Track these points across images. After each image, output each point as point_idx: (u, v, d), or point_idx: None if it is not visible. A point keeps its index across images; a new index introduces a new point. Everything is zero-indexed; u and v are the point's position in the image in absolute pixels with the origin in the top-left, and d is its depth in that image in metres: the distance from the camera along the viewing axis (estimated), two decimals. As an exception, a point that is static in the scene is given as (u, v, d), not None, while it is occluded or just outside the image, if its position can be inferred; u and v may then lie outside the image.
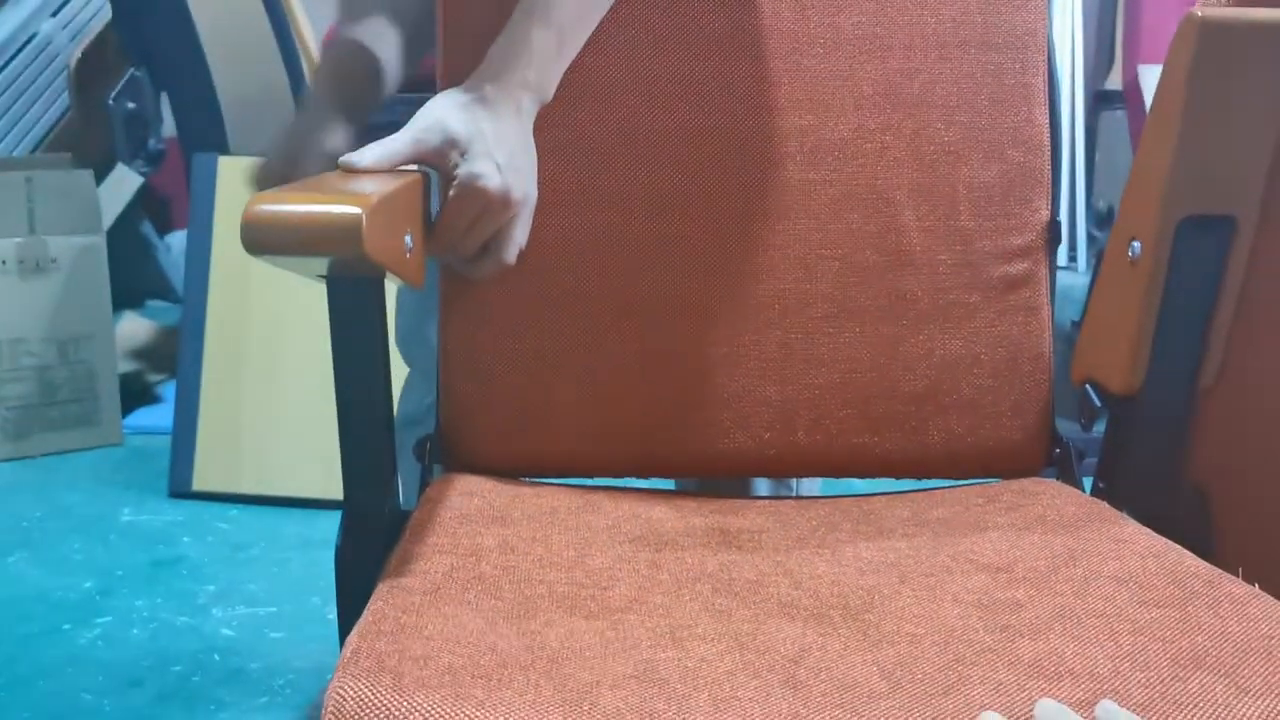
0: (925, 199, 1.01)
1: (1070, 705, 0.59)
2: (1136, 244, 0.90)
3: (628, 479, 1.02)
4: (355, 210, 0.69)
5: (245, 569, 1.87)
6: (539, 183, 0.92)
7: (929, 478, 1.03)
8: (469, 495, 0.90)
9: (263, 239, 0.68)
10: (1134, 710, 0.58)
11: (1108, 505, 0.90)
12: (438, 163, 0.89)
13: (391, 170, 0.86)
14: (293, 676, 1.54)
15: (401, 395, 1.43)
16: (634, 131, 1.00)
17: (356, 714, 0.54)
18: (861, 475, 1.03)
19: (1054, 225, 1.04)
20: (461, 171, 0.88)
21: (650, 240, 1.00)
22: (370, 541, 0.86)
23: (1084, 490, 0.98)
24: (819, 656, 0.65)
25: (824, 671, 0.64)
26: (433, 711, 0.54)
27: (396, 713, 0.54)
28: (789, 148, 1.01)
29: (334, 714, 0.54)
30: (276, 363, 2.12)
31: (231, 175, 2.18)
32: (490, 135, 0.88)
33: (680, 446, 1.01)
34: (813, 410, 1.00)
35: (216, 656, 1.59)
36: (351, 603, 0.79)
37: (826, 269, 1.01)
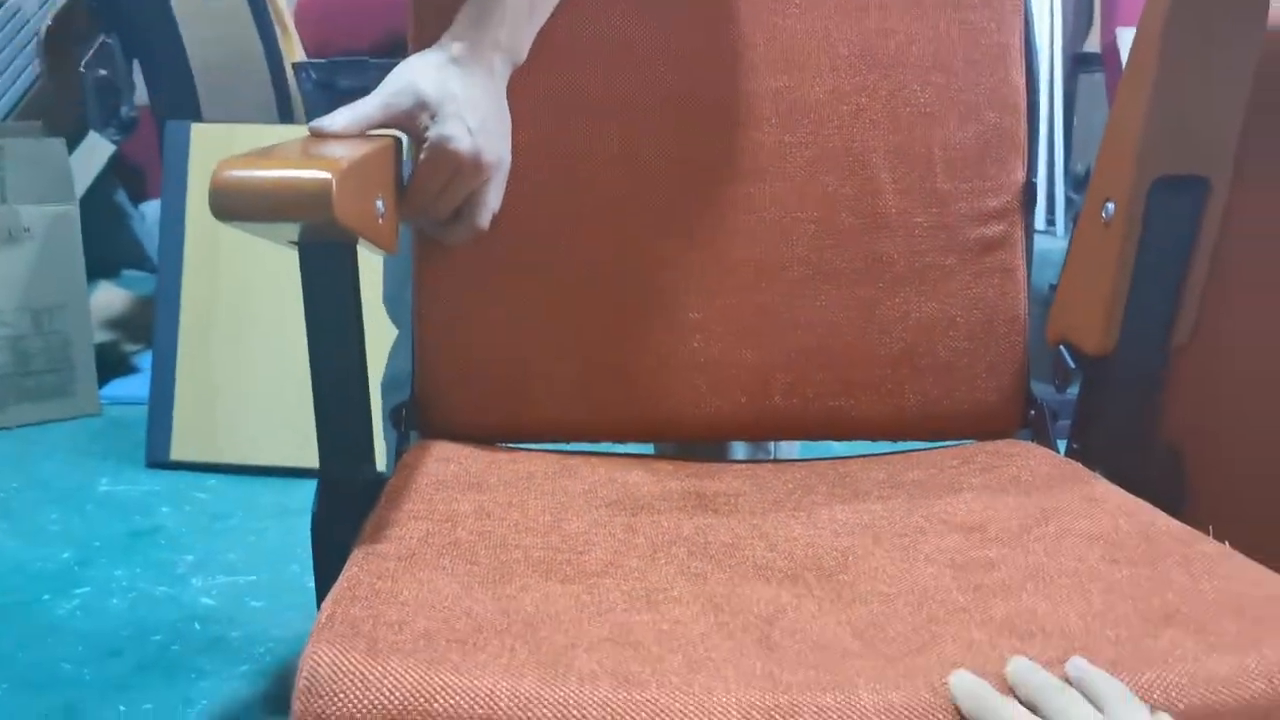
0: (901, 161, 1.01)
1: (1042, 663, 0.59)
2: (1111, 205, 0.90)
3: (605, 444, 1.02)
4: (325, 175, 0.68)
5: (224, 538, 1.86)
6: (513, 146, 0.92)
7: (905, 439, 1.03)
8: (445, 461, 0.90)
9: (231, 205, 0.68)
10: (1105, 667, 0.59)
11: (1081, 466, 0.91)
12: (409, 126, 0.88)
13: (362, 134, 0.86)
14: (273, 644, 1.54)
15: (390, 356, 1.42)
16: (609, 94, 0.99)
17: (331, 679, 0.54)
18: (838, 438, 1.03)
19: (1029, 187, 1.04)
20: (432, 134, 0.87)
21: (625, 205, 0.99)
22: (346, 509, 0.86)
23: (1058, 452, 0.98)
24: (793, 617, 0.66)
25: (797, 632, 0.64)
26: (407, 676, 0.54)
27: (371, 678, 0.54)
28: (764, 110, 1.00)
29: (309, 679, 0.54)
30: (252, 331, 2.11)
31: (205, 143, 2.17)
32: (461, 98, 0.88)
33: (657, 411, 1.01)
34: (789, 374, 1.00)
35: (196, 625, 1.59)
36: (328, 570, 0.78)
37: (802, 232, 1.00)
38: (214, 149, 2.09)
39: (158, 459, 2.11)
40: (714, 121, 1.00)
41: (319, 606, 0.80)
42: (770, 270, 1.00)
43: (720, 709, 0.55)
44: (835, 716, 0.56)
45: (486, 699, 0.53)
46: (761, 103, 1.00)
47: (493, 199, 0.92)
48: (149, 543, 1.85)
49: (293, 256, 0.82)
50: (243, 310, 2.11)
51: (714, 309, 1.00)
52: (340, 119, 0.86)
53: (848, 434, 1.03)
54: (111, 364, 2.61)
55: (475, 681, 0.54)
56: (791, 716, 0.55)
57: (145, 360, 2.55)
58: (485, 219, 0.93)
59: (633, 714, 0.54)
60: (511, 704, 0.54)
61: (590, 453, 0.97)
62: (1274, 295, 0.90)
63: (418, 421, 1.00)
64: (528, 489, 0.85)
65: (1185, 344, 0.92)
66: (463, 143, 0.87)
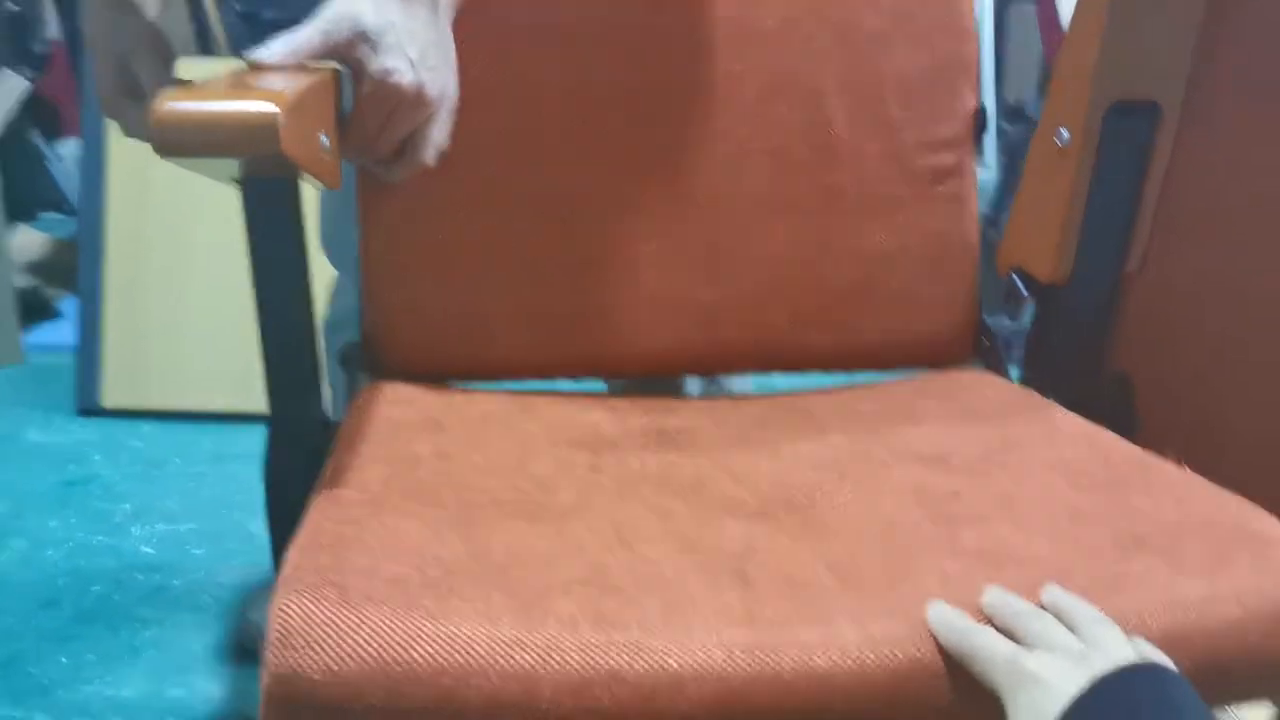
0: (852, 90, 1.00)
1: (1016, 591, 0.60)
2: (1064, 132, 0.89)
3: (559, 381, 1.01)
4: (271, 108, 0.65)
5: (161, 486, 1.82)
6: (459, 81, 0.89)
7: (858, 370, 1.03)
8: (399, 403, 0.88)
9: (175, 140, 0.65)
10: (1078, 593, 0.59)
11: (1037, 394, 0.91)
12: (348, 57, 0.85)
13: (301, 66, 0.82)
14: (218, 593, 1.52)
15: (331, 298, 1.39)
16: (554, 26, 0.96)
17: (304, 630, 0.52)
18: (791, 370, 1.03)
19: (980, 113, 1.03)
20: (373, 67, 0.84)
21: (575, 138, 0.97)
22: (298, 453, 0.84)
23: (1011, 380, 0.99)
24: (766, 553, 0.65)
25: (772, 568, 0.64)
26: (383, 624, 0.53)
27: (346, 626, 0.53)
28: (714, 39, 0.98)
29: (281, 631, 0.52)
30: (183, 272, 2.05)
31: (124, 79, 2.09)
32: (402, 28, 0.84)
33: (609, 347, 0.99)
34: (742, 307, 0.99)
35: (138, 575, 1.56)
36: (283, 517, 0.77)
37: (754, 164, 0.99)
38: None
39: (88, 406, 2.05)
40: (664, 52, 0.98)
41: (275, 554, 0.79)
42: (722, 203, 0.99)
43: (701, 647, 0.55)
44: (819, 650, 0.55)
45: (465, 645, 0.52)
46: (712, 31, 0.98)
47: (437, 134, 0.90)
48: (83, 492, 1.81)
49: (228, 192, 0.80)
50: (174, 250, 2.05)
51: (667, 243, 0.98)
52: (278, 49, 0.82)
53: (801, 366, 1.02)
54: (34, 310, 2.53)
55: (453, 628, 0.53)
56: (774, 652, 0.55)
57: (69, 305, 2.48)
58: (430, 155, 0.90)
59: (614, 655, 0.53)
60: (491, 649, 0.53)
61: (546, 392, 0.96)
62: (1222, 221, 0.90)
63: (367, 362, 0.97)
64: (487, 430, 0.84)
65: (1135, 271, 0.93)
66: (404, 77, 0.84)
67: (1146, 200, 0.90)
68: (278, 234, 0.82)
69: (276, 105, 0.65)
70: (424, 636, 0.52)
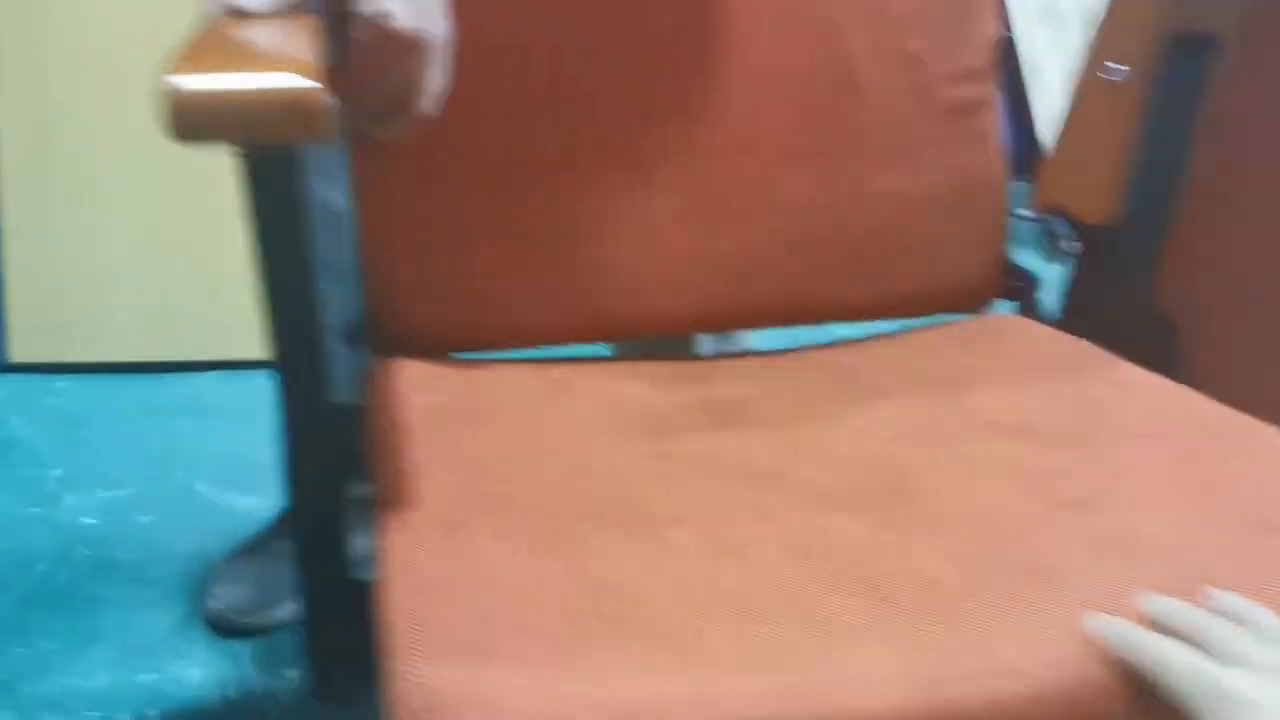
0: (873, 21, 0.94)
1: (1165, 588, 0.56)
2: (1117, 65, 0.85)
3: (567, 346, 0.94)
4: (314, 84, 0.57)
5: (90, 447, 1.70)
6: (457, 29, 0.80)
7: (884, 318, 0.99)
8: (425, 388, 0.81)
9: (201, 125, 0.56)
10: (1228, 588, 0.56)
11: (1088, 344, 0.88)
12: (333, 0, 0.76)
13: (289, 16, 0.73)
14: (174, 564, 1.43)
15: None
16: None
17: (453, 709, 0.46)
18: (815, 322, 0.98)
19: (1004, 41, 0.98)
20: (364, 9, 0.75)
21: (586, 87, 0.90)
22: (319, 439, 0.77)
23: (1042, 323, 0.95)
24: (885, 555, 0.61)
25: (898, 573, 0.59)
26: (536, 690, 0.47)
27: (497, 700, 0.46)
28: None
29: (420, 708, 0.46)
30: (97, 210, 1.88)
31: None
32: None
33: (627, 308, 0.93)
34: (764, 260, 0.94)
35: (82, 549, 1.46)
36: (315, 514, 0.71)
37: (774, 108, 0.93)
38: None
39: (-6, 363, 1.90)
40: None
41: (307, 562, 0.72)
42: (742, 151, 0.93)
43: (868, 684, 0.50)
44: (992, 677, 0.51)
45: (629, 708, 0.47)
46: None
47: (435, 80, 0.81)
48: (4, 459, 1.68)
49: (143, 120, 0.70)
50: (78, 184, 1.87)
51: (684, 196, 0.92)
52: None
53: (825, 318, 0.97)
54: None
55: (612, 689, 0.48)
56: (945, 685, 0.51)
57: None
58: (429, 103, 0.82)
59: (801, 706, 0.48)
60: (661, 711, 0.47)
61: (566, 360, 0.89)
62: (1272, 160, 0.87)
63: (371, 338, 0.89)
64: (530, 416, 0.77)
65: (1185, 211, 0.90)
66: (399, 19, 0.75)
67: (1199, 137, 0.86)
68: (283, 203, 0.74)
69: (318, 80, 0.57)
70: (585, 702, 0.47)
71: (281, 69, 0.58)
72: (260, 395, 1.83)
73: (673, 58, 0.91)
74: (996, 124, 0.98)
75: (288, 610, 1.32)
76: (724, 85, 0.92)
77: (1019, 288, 0.98)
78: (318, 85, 0.57)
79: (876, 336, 0.96)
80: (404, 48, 0.76)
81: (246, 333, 1.87)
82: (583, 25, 0.89)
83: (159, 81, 0.56)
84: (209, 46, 0.64)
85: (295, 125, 0.57)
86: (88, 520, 1.52)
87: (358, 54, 0.75)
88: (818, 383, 0.85)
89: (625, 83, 0.90)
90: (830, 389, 0.83)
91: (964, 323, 0.96)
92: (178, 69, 0.57)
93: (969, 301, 0.98)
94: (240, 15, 0.72)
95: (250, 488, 1.58)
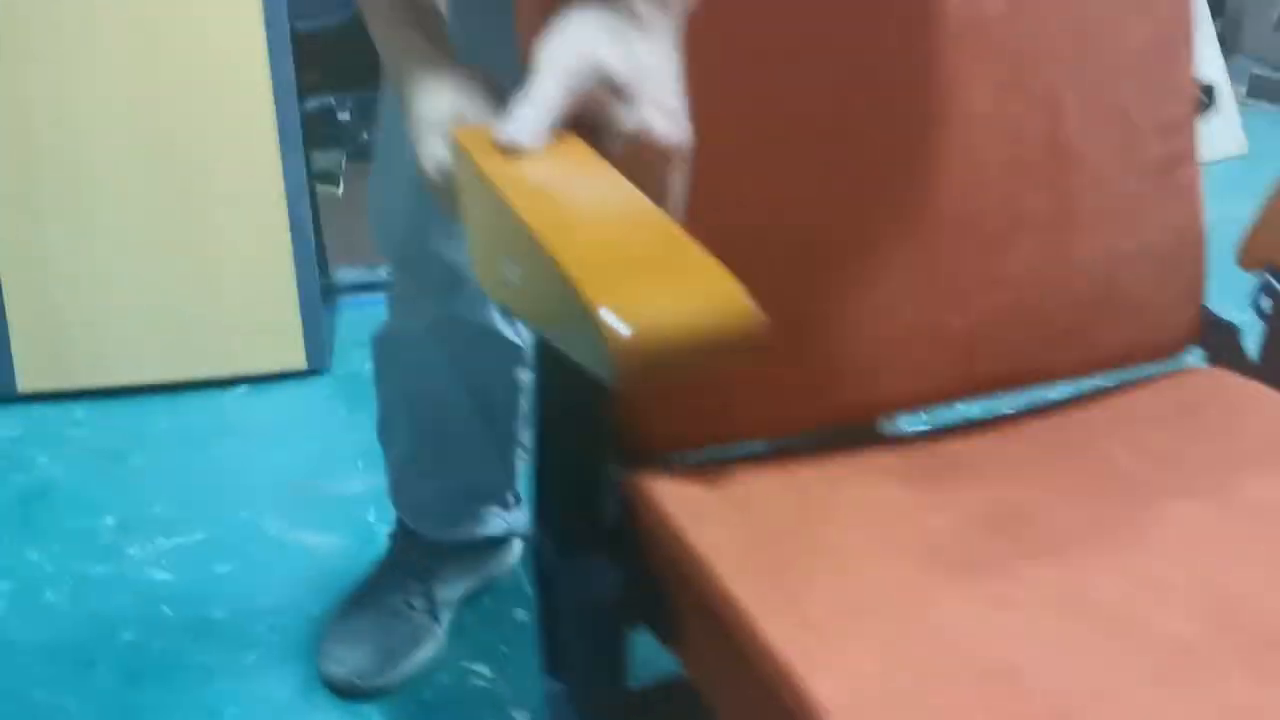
0: (1086, 75, 0.91)
1: None
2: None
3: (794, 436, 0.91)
4: (749, 305, 0.53)
5: (136, 487, 1.61)
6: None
7: (1089, 375, 0.97)
8: (702, 515, 0.77)
9: (654, 368, 0.52)
10: None
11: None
12: (595, 114, 0.70)
13: (560, 141, 0.68)
14: (270, 619, 1.37)
15: (393, 307, 1.22)
16: (775, 47, 0.83)
17: None
18: (1028, 387, 0.95)
19: (1202, 87, 0.96)
20: (629, 125, 0.69)
21: (802, 172, 0.85)
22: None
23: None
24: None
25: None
26: None
27: None
28: (940, 39, 0.86)
29: None
30: (88, 219, 1.75)
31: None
32: (654, 69, 0.70)
33: (860, 392, 0.90)
34: (986, 334, 0.91)
35: (166, 610, 1.39)
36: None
37: (991, 177, 0.89)
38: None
39: (3, 394, 1.78)
40: (890, 64, 0.86)
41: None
42: (963, 223, 0.89)
43: None
44: None
45: None
46: (937, 31, 0.86)
47: (681, 185, 0.76)
48: (47, 506, 1.58)
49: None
50: (78, 201, 1.74)
51: (916, 274, 0.88)
52: (527, 121, 0.67)
53: (1038, 381, 0.96)
54: None
55: None
56: None
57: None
58: (675, 208, 0.77)
59: None
60: None
61: (794, 457, 0.86)
62: None
63: (614, 451, 0.85)
64: (828, 546, 0.75)
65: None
66: (670, 133, 0.70)
67: None
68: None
69: (746, 298, 0.53)
70: None
71: (704, 280, 0.54)
72: (290, 408, 1.77)
73: (891, 131, 0.87)
74: (1199, 174, 0.96)
75: (411, 665, 1.29)
76: (943, 155, 0.88)
77: (1229, 339, 0.98)
78: (751, 308, 0.53)
79: (1083, 398, 0.94)
80: (663, 159, 0.71)
81: (262, 342, 1.78)
82: (800, 102, 0.84)
83: (593, 313, 0.51)
84: (617, 246, 0.58)
85: (739, 347, 0.53)
86: (162, 576, 1.45)
87: (625, 170, 0.70)
88: (1080, 478, 0.83)
89: (846, 161, 0.86)
90: (1101, 487, 0.82)
91: (1170, 380, 0.95)
92: (634, 305, 0.51)
93: (1168, 351, 0.98)
94: (513, 147, 0.66)
95: (320, 523, 1.53)
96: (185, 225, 1.74)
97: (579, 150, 0.69)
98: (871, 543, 0.76)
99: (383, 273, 2.09)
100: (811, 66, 0.84)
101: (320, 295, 1.83)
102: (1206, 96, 0.97)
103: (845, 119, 0.85)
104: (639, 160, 0.70)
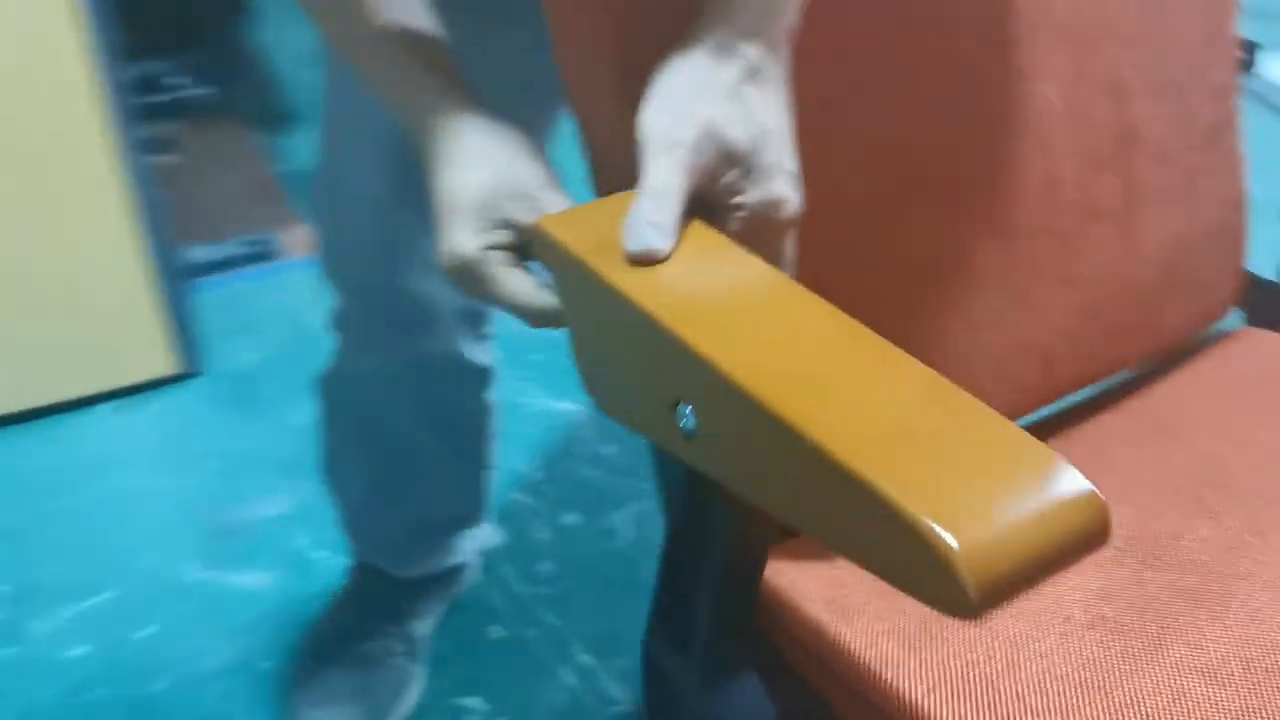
0: (1144, 50, 0.85)
1: None
2: None
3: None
4: (1095, 492, 0.44)
5: (17, 544, 1.40)
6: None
7: (1156, 353, 0.93)
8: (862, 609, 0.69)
9: (1005, 594, 0.43)
10: None
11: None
12: (711, 188, 0.60)
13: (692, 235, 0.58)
14: (222, 685, 1.22)
15: (344, 343, 1.06)
16: (858, 73, 0.73)
17: None
18: (1104, 378, 0.91)
19: (1246, 45, 0.91)
20: (752, 199, 0.60)
21: (887, 203, 0.76)
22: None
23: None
24: None
25: None
26: None
27: None
28: (1015, 33, 0.78)
29: None
30: None
31: None
32: (775, 132, 0.60)
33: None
34: (1067, 335, 0.86)
35: (97, 692, 1.22)
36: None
37: (1066, 171, 0.83)
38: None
39: None
40: (966, 75, 0.78)
41: None
42: (1043, 226, 0.83)
43: None
44: None
45: None
46: (1013, 27, 0.78)
47: (793, 251, 0.66)
48: (-91, 582, 1.36)
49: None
50: None
51: (997, 289, 0.81)
52: (662, 225, 0.56)
53: (1109, 374, 0.91)
54: None
55: None
56: None
57: None
58: (793, 269, 0.67)
59: None
60: None
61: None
62: None
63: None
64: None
65: None
66: (793, 202, 0.61)
67: None
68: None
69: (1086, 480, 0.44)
70: None
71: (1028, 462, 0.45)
72: (169, 422, 1.57)
73: (971, 146, 0.79)
74: (1242, 139, 0.92)
75: (399, 717, 1.18)
76: (1022, 156, 0.80)
77: (1255, 297, 0.95)
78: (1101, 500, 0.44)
79: (1149, 376, 0.91)
80: (784, 227, 0.62)
81: (120, 348, 1.57)
82: (882, 132, 0.75)
83: (935, 542, 0.41)
84: (819, 402, 0.47)
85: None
86: (76, 651, 1.27)
87: (745, 243, 0.60)
88: (1176, 473, 0.80)
89: (931, 183, 0.78)
90: (1214, 501, 0.78)
91: (1223, 347, 0.92)
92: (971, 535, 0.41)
93: (1215, 317, 0.95)
94: (649, 256, 0.56)
95: (243, 559, 1.37)
96: (8, 227, 1.50)
97: (710, 240, 0.59)
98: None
99: (237, 246, 1.89)
100: (897, 87, 0.75)
101: (179, 286, 1.61)
102: (1247, 54, 0.91)
103: (929, 135, 0.77)
104: (761, 235, 0.60)
